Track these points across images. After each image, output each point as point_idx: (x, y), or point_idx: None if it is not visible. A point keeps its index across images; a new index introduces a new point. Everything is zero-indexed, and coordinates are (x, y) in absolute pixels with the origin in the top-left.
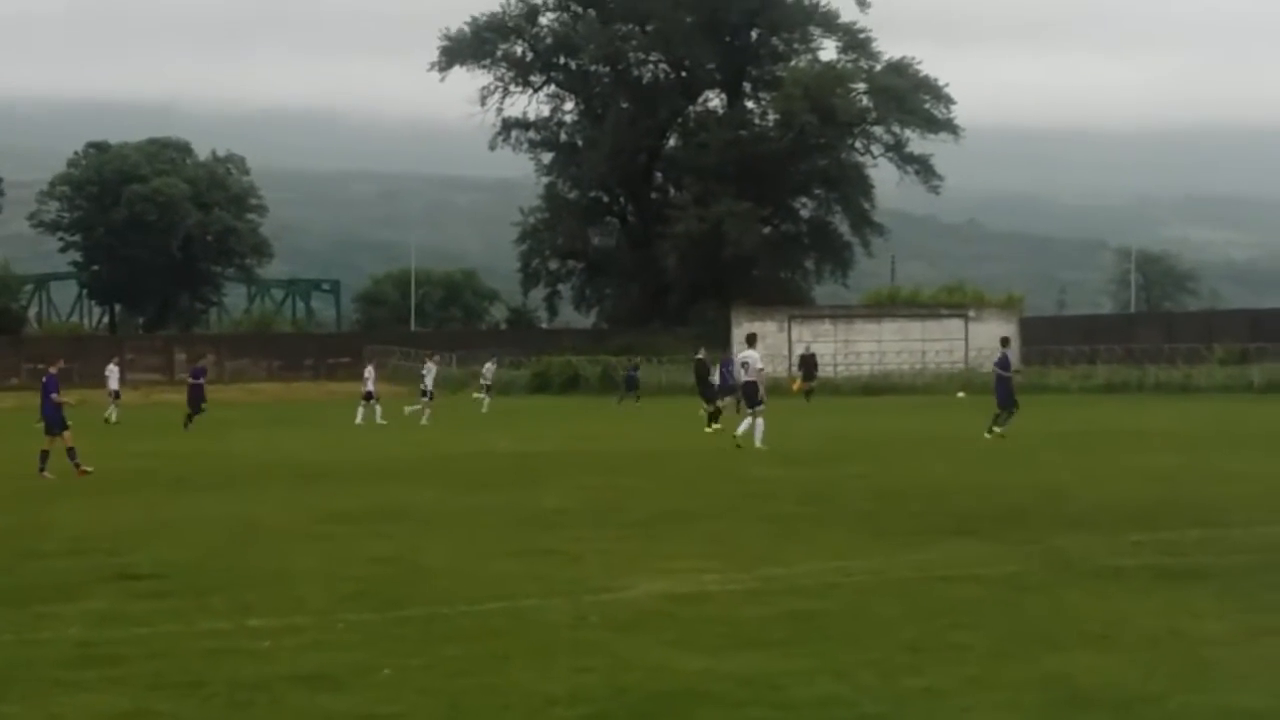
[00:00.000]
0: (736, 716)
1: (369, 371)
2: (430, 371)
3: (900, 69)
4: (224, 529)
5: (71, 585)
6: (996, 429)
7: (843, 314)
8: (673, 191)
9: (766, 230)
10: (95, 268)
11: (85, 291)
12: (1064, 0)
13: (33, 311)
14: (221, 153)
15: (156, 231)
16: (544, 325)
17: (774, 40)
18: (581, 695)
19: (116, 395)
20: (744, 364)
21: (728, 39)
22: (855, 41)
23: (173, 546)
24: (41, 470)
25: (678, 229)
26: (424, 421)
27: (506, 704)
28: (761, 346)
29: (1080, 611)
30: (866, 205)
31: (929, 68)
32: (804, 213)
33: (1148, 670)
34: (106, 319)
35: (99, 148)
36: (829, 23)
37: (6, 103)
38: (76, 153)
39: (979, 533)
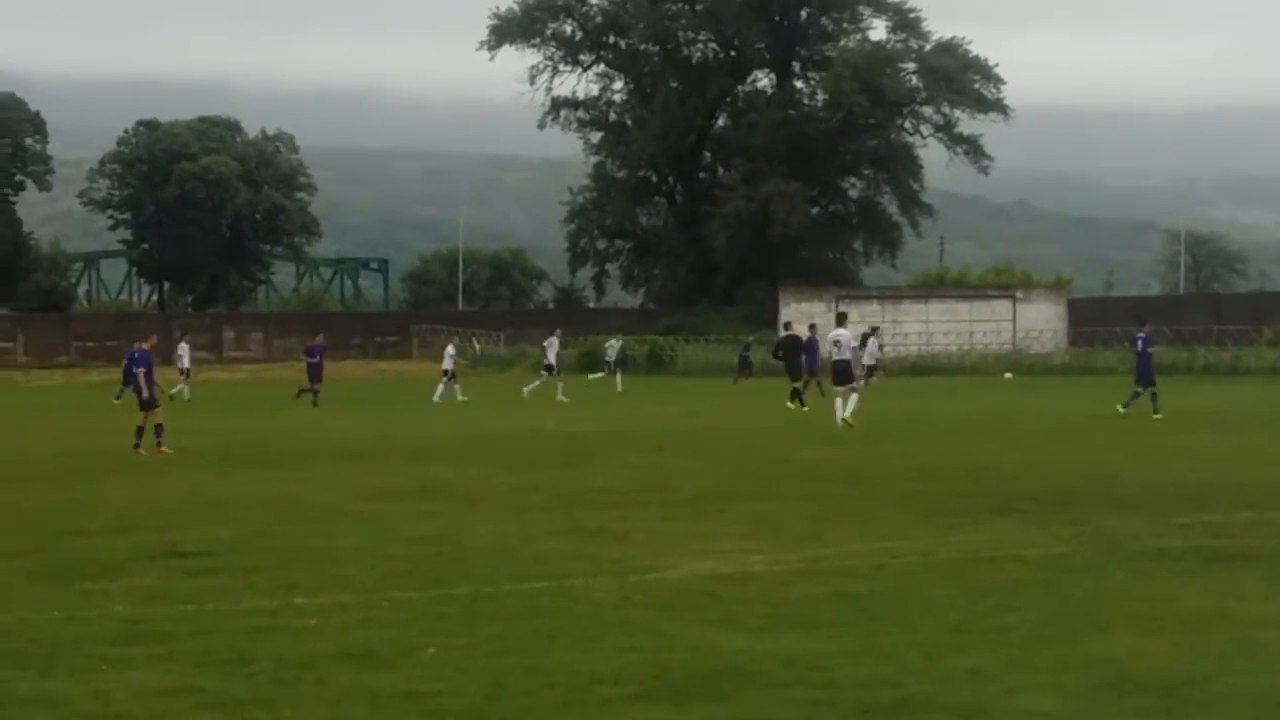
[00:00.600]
0: (781, 696)
1: (450, 349)
2: (552, 346)
3: (950, 49)
4: (270, 507)
5: (118, 562)
6: (1157, 413)
7: (890, 294)
8: (721, 171)
9: (815, 210)
10: (144, 246)
11: (134, 269)
12: None
13: (82, 289)
14: (271, 131)
15: (206, 210)
16: (591, 305)
17: (823, 20)
18: (626, 674)
19: (186, 374)
20: (836, 343)
21: (777, 18)
22: (905, 21)
23: (219, 524)
24: (158, 445)
25: (726, 209)
26: (560, 396)
27: (550, 683)
28: (805, 328)
29: (1127, 593)
30: (915, 186)
31: (978, 48)
32: (852, 193)
33: (1194, 653)
34: (155, 297)
35: (149, 125)
36: (878, 2)
37: (57, 81)
38: (126, 131)
39: (1025, 514)
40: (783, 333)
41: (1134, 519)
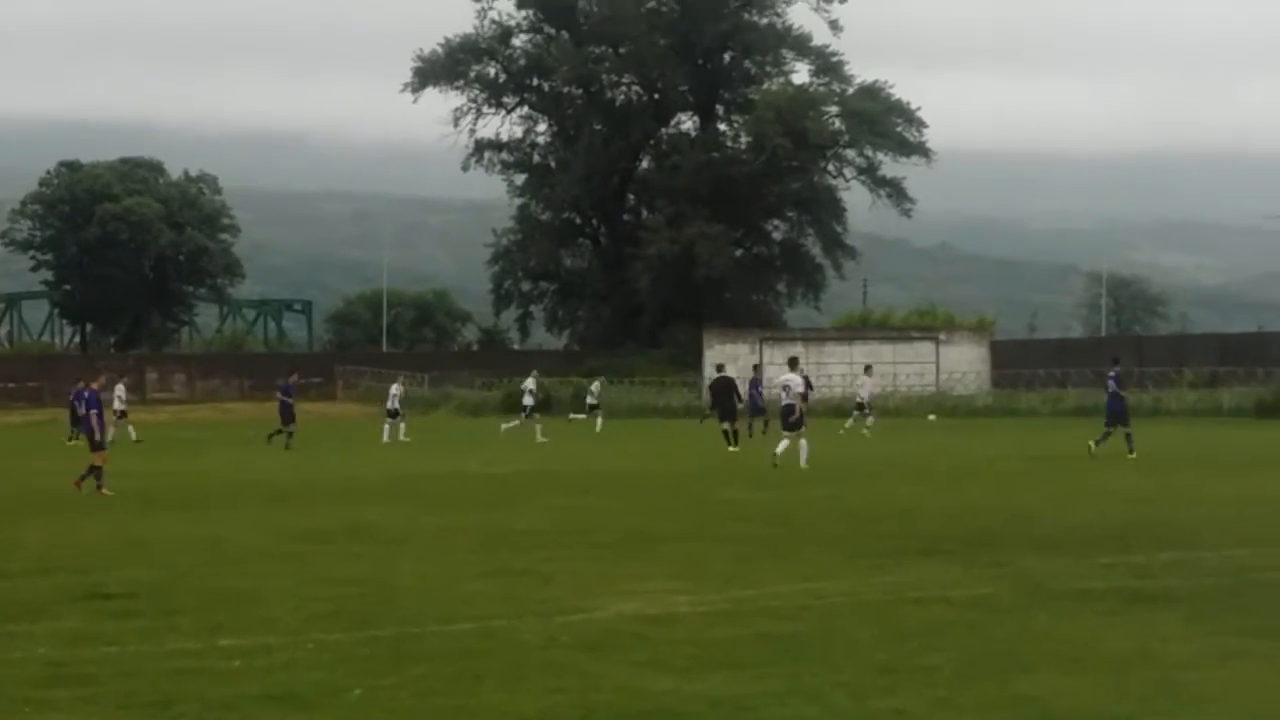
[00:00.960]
0: None
1: (395, 388)
2: (529, 388)
3: (873, 92)
4: (194, 549)
5: (40, 604)
6: (1131, 453)
7: (814, 336)
8: (645, 213)
9: (739, 252)
10: (67, 287)
11: (56, 310)
12: (1035, 27)
13: (3, 330)
14: (194, 172)
15: (128, 251)
16: (516, 346)
17: (746, 63)
18: (553, 715)
19: (122, 414)
20: (785, 387)
21: (700, 61)
22: (828, 65)
23: (142, 566)
24: (98, 487)
25: (650, 251)
26: (540, 438)
27: None
28: (732, 369)
29: (1050, 634)
30: (838, 228)
31: (902, 91)
32: (776, 235)
33: (1117, 693)
34: (78, 338)
35: (71, 166)
36: (801, 46)
37: None
38: (48, 171)
39: (949, 555)
40: (714, 374)
41: (1057, 560)
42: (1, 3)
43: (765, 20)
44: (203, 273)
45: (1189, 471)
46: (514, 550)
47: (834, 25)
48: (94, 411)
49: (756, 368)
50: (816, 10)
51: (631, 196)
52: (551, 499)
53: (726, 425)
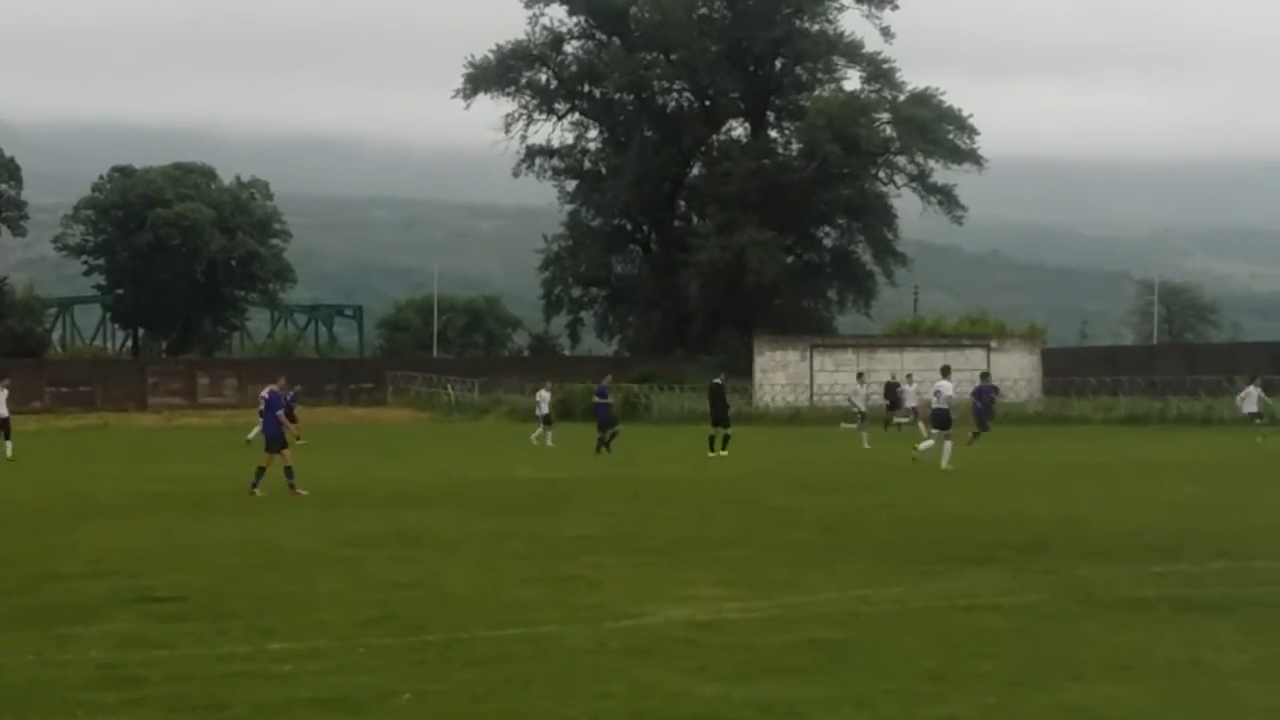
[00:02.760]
0: None
1: (543, 394)
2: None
3: (924, 99)
4: (245, 553)
5: (93, 607)
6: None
7: (865, 343)
8: (695, 220)
9: (789, 259)
10: (119, 291)
11: (109, 315)
12: (1092, 34)
13: (56, 335)
14: (246, 178)
15: (180, 256)
16: (566, 352)
17: (798, 70)
18: None
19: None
20: (937, 392)
21: (752, 68)
22: (879, 71)
23: (193, 570)
24: (254, 486)
25: (700, 257)
26: (548, 443)
27: None
28: (783, 375)
29: (1101, 642)
30: (889, 235)
31: (954, 99)
32: (827, 242)
33: (1168, 701)
34: (130, 343)
35: (124, 172)
36: (853, 53)
37: (36, 127)
38: (101, 176)
39: (1000, 562)
40: (713, 381)
41: (1109, 568)
42: (58, 9)
43: (816, 27)
44: (254, 278)
45: (1240, 480)
46: (564, 556)
47: (885, 32)
48: (277, 413)
49: (909, 377)
50: (868, 17)
51: (682, 203)
52: (601, 505)
53: (714, 431)
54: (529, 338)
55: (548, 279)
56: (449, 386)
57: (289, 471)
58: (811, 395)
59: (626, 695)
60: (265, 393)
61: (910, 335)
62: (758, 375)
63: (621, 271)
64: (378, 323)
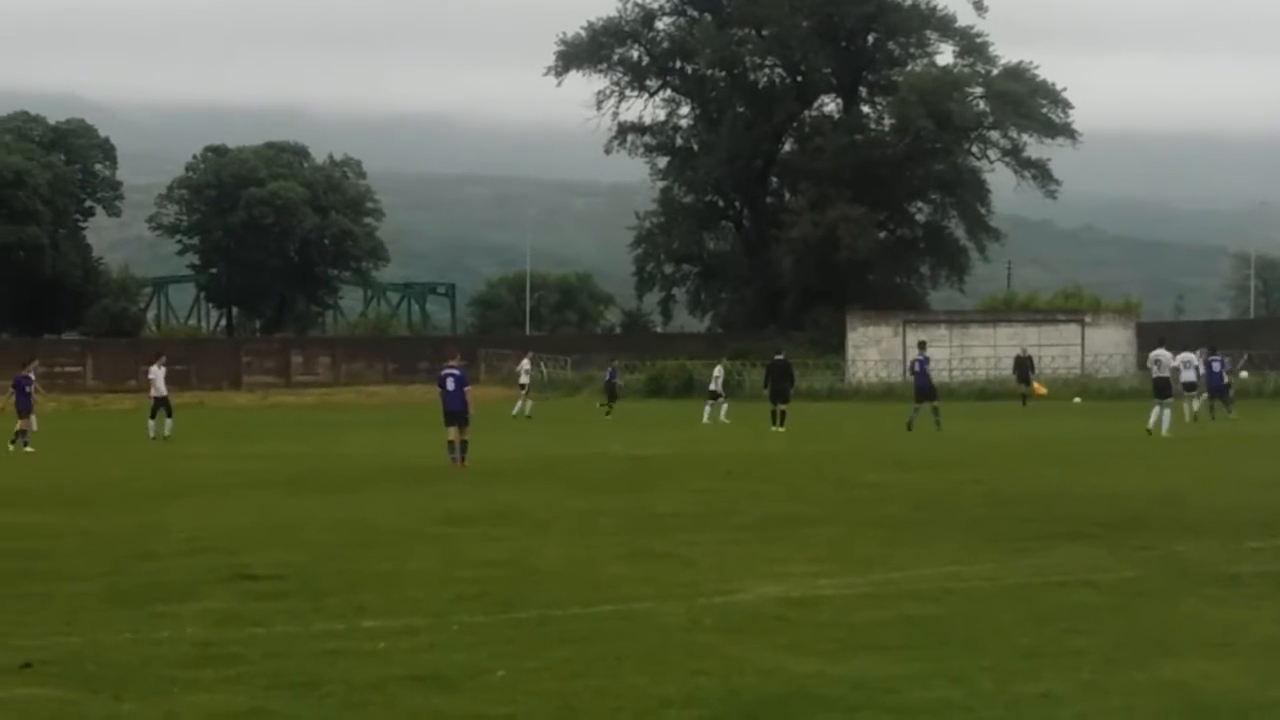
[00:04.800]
0: None
1: (718, 371)
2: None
3: (1017, 73)
4: (339, 531)
5: (189, 585)
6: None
7: (958, 319)
8: (788, 196)
9: (882, 235)
10: (213, 271)
11: (203, 294)
12: (1188, 5)
13: (151, 314)
14: (339, 157)
15: (273, 235)
16: (659, 329)
17: (890, 45)
18: (695, 698)
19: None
20: (1156, 361)
21: (844, 44)
22: (972, 46)
23: (289, 548)
24: (461, 460)
25: (793, 233)
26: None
27: (619, 706)
28: (875, 351)
29: (1198, 618)
30: (982, 210)
31: (1048, 72)
32: (920, 218)
33: (1265, 677)
34: (224, 322)
35: (217, 151)
36: (946, 27)
37: (128, 108)
38: (195, 156)
39: (1095, 538)
40: (776, 357)
41: (1205, 543)
42: None
43: (909, 1)
44: (347, 256)
45: None
46: (656, 533)
47: (978, 6)
48: (465, 389)
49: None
50: None
51: (774, 179)
52: (693, 482)
53: (775, 406)
54: (621, 315)
55: (640, 256)
56: (541, 364)
57: (463, 445)
58: (904, 371)
59: (720, 672)
60: (458, 371)
61: (1004, 311)
62: (850, 351)
63: (714, 248)
64: (470, 301)
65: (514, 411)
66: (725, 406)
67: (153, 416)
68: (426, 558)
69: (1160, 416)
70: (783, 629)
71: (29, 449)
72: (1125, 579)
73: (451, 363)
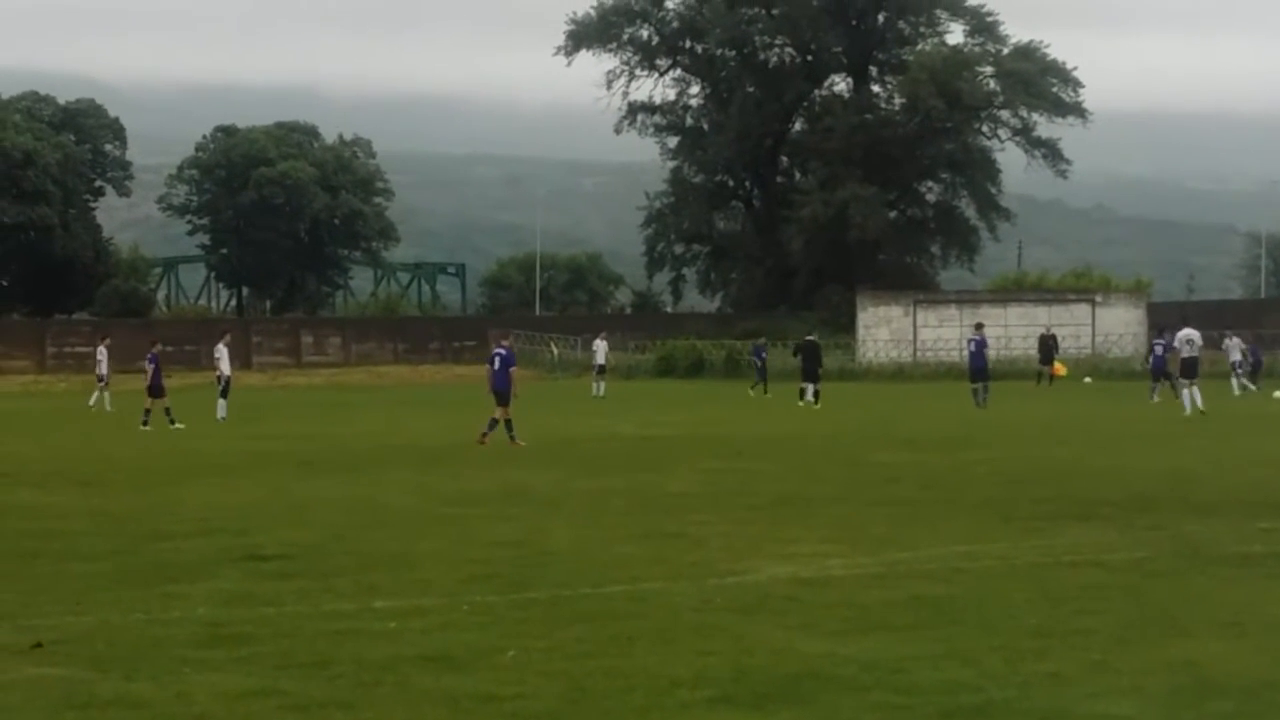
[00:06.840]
0: (861, 700)
1: (600, 344)
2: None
3: (1028, 53)
4: (349, 511)
5: (199, 565)
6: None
7: (968, 299)
8: (798, 176)
9: (892, 214)
10: (223, 251)
11: (213, 274)
12: None
13: (161, 294)
14: (349, 137)
15: (283, 214)
16: (669, 309)
17: (900, 24)
18: (705, 678)
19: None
20: (1188, 341)
21: (854, 23)
22: (982, 25)
23: (299, 528)
24: (511, 438)
25: (803, 213)
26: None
27: (630, 686)
28: (886, 331)
29: (1208, 598)
30: (993, 189)
31: (1058, 51)
32: (930, 197)
33: (1275, 657)
34: (234, 302)
35: (227, 131)
36: (956, 6)
37: (138, 88)
38: (205, 136)
39: (1105, 518)
40: (807, 338)
41: (1215, 523)
42: None
43: None
44: (357, 236)
45: None
46: (666, 513)
47: None
48: (511, 369)
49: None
50: None
51: (784, 159)
52: (704, 462)
53: (806, 385)
54: (631, 295)
55: (650, 236)
56: (551, 344)
57: (509, 424)
58: (915, 351)
59: (730, 652)
60: (503, 350)
61: (1014, 290)
62: (861, 331)
63: (724, 228)
64: (480, 280)
65: (594, 394)
66: (604, 384)
67: (224, 396)
68: (437, 538)
69: (1193, 395)
70: (793, 609)
71: (178, 425)
72: (1135, 559)
73: (504, 342)
